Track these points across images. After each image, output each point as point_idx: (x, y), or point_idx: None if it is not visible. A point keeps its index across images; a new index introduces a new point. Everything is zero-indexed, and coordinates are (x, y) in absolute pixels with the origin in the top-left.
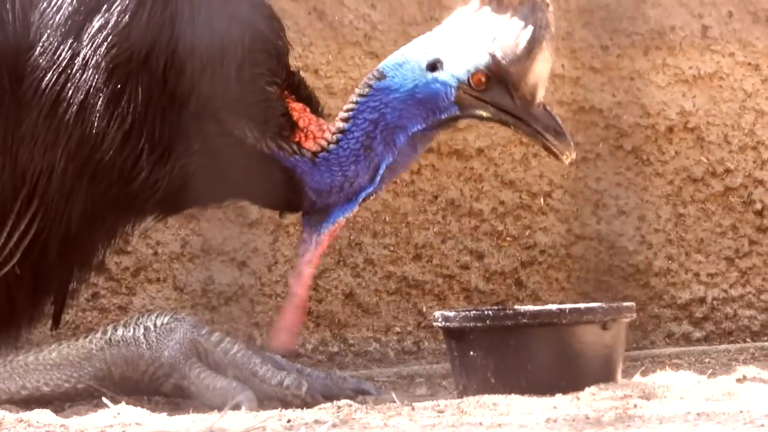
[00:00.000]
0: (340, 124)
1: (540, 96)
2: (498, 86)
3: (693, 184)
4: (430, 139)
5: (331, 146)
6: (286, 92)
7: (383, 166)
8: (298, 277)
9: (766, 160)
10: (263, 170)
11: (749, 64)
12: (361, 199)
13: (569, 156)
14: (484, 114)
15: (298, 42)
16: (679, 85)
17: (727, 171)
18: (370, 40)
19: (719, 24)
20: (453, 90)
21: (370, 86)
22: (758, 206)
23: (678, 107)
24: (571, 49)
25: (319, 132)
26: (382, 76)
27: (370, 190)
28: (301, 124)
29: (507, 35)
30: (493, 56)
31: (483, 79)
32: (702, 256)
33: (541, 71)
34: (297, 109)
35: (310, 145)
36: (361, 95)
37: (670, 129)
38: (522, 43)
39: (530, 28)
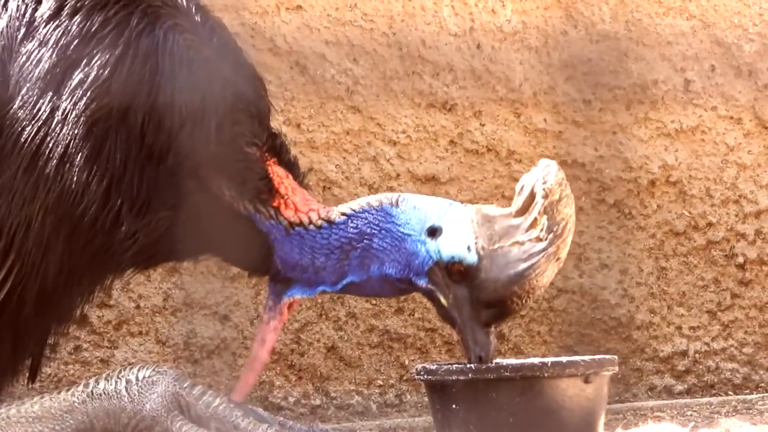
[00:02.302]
0: (334, 216)
1: (495, 327)
2: (467, 289)
3: (675, 238)
4: (398, 294)
5: (311, 227)
6: (267, 155)
7: (348, 279)
8: (262, 343)
9: (749, 214)
10: (238, 230)
11: (731, 117)
12: (318, 292)
13: None
14: (442, 300)
15: (281, 96)
16: (662, 139)
17: (710, 224)
18: (353, 95)
19: (702, 78)
20: (430, 262)
21: (381, 204)
22: (740, 260)
23: (660, 161)
24: (554, 103)
25: (303, 205)
26: (396, 204)
27: (329, 289)
28: (282, 190)
29: (506, 255)
30: (479, 262)
31: (461, 272)
32: (684, 309)
33: (510, 309)
34: (279, 174)
35: (289, 214)
36: (369, 205)
37: (653, 183)
38: (511, 273)
39: (528, 265)
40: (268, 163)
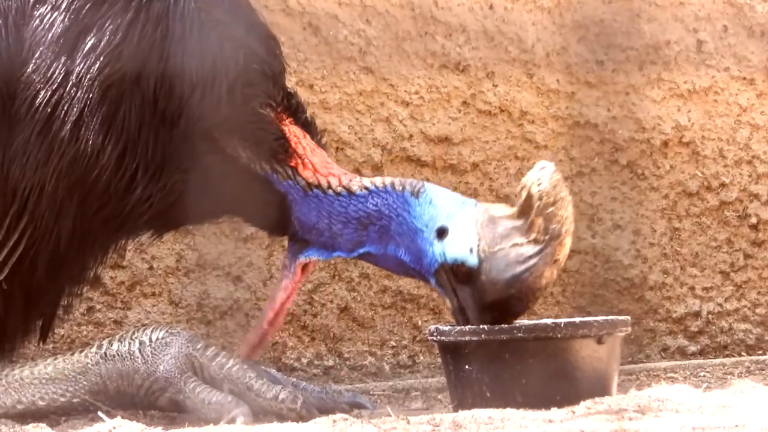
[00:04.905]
0: (355, 187)
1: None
2: (471, 290)
3: (688, 199)
4: (409, 276)
5: (329, 192)
6: (282, 115)
7: (365, 249)
8: (272, 302)
9: (762, 174)
10: (256, 190)
11: (744, 78)
12: (334, 257)
13: None
14: (448, 302)
15: (293, 57)
16: (674, 100)
17: (723, 185)
18: (365, 56)
19: (714, 39)
20: (437, 264)
21: (403, 190)
22: (753, 220)
23: (673, 122)
24: (566, 64)
25: (322, 167)
26: (416, 194)
27: (344, 255)
28: (299, 150)
29: (506, 257)
30: (480, 264)
31: (464, 273)
32: (697, 270)
33: (511, 310)
34: (296, 134)
35: (307, 175)
36: (393, 187)
37: (665, 143)
38: (508, 275)
39: (524, 268)
40: (283, 123)
